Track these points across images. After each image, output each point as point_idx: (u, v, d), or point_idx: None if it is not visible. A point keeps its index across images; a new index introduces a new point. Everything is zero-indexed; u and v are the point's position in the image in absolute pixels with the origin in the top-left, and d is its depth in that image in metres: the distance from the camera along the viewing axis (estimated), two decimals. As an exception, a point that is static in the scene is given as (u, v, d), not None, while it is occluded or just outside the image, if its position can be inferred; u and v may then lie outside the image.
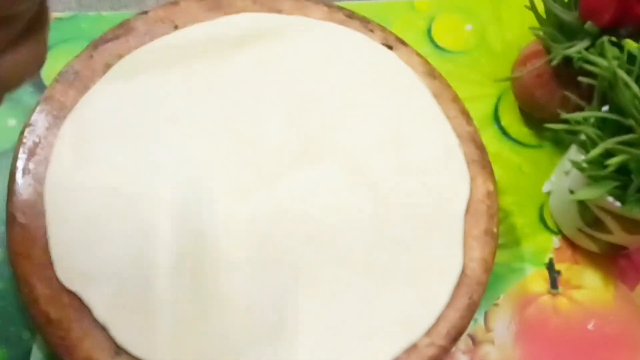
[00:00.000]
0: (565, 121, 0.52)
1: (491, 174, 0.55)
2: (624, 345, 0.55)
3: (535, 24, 0.58)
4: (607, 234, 0.54)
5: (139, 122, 0.52)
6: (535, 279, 0.56)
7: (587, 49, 0.54)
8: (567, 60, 0.56)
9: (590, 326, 0.55)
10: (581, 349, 0.54)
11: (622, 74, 0.49)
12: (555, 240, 0.58)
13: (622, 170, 0.50)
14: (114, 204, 0.50)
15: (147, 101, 0.53)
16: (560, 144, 0.61)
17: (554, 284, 0.56)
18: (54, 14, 0.60)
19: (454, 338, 0.49)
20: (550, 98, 0.58)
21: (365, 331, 0.48)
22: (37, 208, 0.49)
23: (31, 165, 0.50)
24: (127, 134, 0.52)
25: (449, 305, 0.50)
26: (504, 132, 0.62)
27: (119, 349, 0.46)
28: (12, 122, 0.55)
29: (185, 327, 0.47)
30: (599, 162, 0.50)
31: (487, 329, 0.54)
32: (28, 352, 0.49)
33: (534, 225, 0.58)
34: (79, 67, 0.54)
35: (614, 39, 0.53)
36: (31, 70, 0.31)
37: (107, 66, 0.54)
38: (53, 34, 0.59)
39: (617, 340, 0.55)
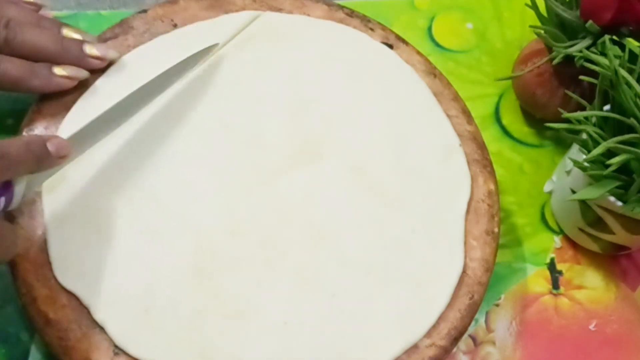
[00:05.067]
0: (567, 120, 0.52)
1: (492, 173, 0.55)
2: (625, 346, 0.55)
3: (536, 22, 0.58)
4: (608, 234, 0.54)
5: (138, 122, 0.52)
6: (537, 279, 0.56)
7: (588, 47, 0.54)
8: (568, 59, 0.55)
9: (591, 326, 0.55)
10: (583, 349, 0.54)
11: (623, 73, 0.49)
12: (557, 240, 0.58)
13: (624, 170, 0.49)
14: (113, 203, 0.50)
15: (146, 100, 0.53)
16: (561, 143, 0.61)
17: (555, 284, 0.56)
18: (53, 13, 0.60)
19: (455, 338, 0.49)
20: (552, 97, 0.58)
21: (365, 331, 0.48)
22: (35, 207, 0.49)
23: (30, 165, 0.50)
24: (126, 133, 0.52)
25: (449, 305, 0.49)
26: (505, 131, 0.62)
27: (118, 350, 0.46)
28: (10, 121, 0.55)
29: (185, 327, 0.47)
30: (600, 161, 0.50)
31: (488, 329, 0.54)
32: (26, 353, 0.49)
33: (535, 225, 0.58)
34: (77, 66, 0.54)
35: (615, 37, 0.53)
36: None
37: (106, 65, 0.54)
38: (52, 33, 0.59)
39: (618, 340, 0.55)
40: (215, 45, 0.54)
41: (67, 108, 0.52)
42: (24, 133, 0.51)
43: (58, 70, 0.51)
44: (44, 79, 0.50)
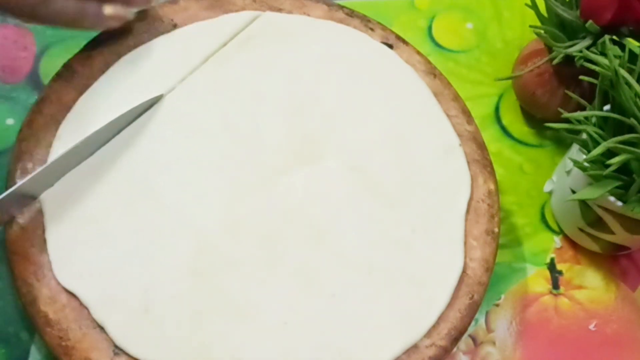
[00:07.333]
0: (567, 120, 0.52)
1: (492, 173, 0.55)
2: (625, 346, 0.55)
3: (536, 22, 0.58)
4: (608, 234, 0.54)
5: (138, 122, 0.52)
6: (537, 279, 0.56)
7: (588, 47, 0.54)
8: (568, 59, 0.55)
9: (591, 326, 0.55)
10: (582, 349, 0.54)
11: (623, 72, 0.49)
12: (557, 240, 0.58)
13: (624, 170, 0.49)
14: (113, 203, 0.50)
15: (146, 100, 0.53)
16: (561, 143, 0.61)
17: (555, 284, 0.56)
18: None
19: (455, 338, 0.49)
20: (552, 97, 0.58)
21: (365, 331, 0.48)
22: (35, 208, 0.49)
23: (29, 165, 0.50)
24: (126, 133, 0.52)
25: (449, 305, 0.49)
26: (505, 131, 0.62)
27: (117, 349, 0.46)
28: (10, 121, 0.55)
29: (185, 327, 0.47)
30: (600, 161, 0.50)
31: (488, 329, 0.54)
32: (27, 353, 0.49)
33: (535, 225, 0.58)
34: (77, 66, 0.54)
35: (615, 37, 0.53)
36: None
37: (106, 65, 0.54)
38: (51, 33, 0.59)
39: (618, 340, 0.55)
40: (160, 96, 0.54)
41: (67, 108, 0.52)
42: (24, 133, 0.51)
43: (107, 10, 0.51)
44: (94, 18, 0.51)
